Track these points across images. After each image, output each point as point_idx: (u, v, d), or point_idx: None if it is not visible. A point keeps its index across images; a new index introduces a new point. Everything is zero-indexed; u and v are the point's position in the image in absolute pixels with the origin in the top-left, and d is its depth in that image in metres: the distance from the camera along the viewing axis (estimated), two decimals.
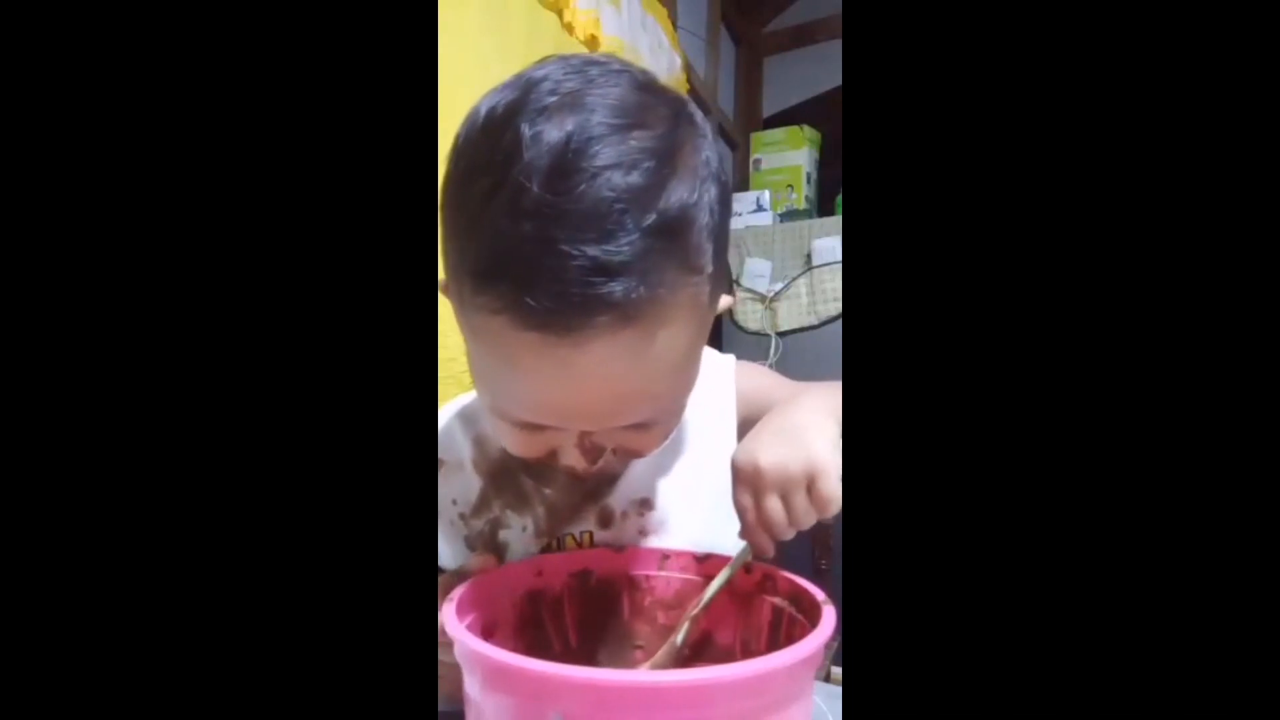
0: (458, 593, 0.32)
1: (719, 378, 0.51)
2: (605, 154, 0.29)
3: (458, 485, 0.48)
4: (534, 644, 0.38)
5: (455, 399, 0.52)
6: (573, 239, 0.28)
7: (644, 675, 0.24)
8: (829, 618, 0.27)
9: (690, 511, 0.47)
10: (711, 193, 0.33)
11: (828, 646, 0.26)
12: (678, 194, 0.30)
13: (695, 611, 0.38)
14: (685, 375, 0.37)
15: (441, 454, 0.49)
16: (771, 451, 0.36)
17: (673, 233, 0.31)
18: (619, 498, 0.47)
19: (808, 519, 0.36)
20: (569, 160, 0.29)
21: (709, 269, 0.33)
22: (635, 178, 0.29)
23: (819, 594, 0.30)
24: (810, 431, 0.36)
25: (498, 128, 0.31)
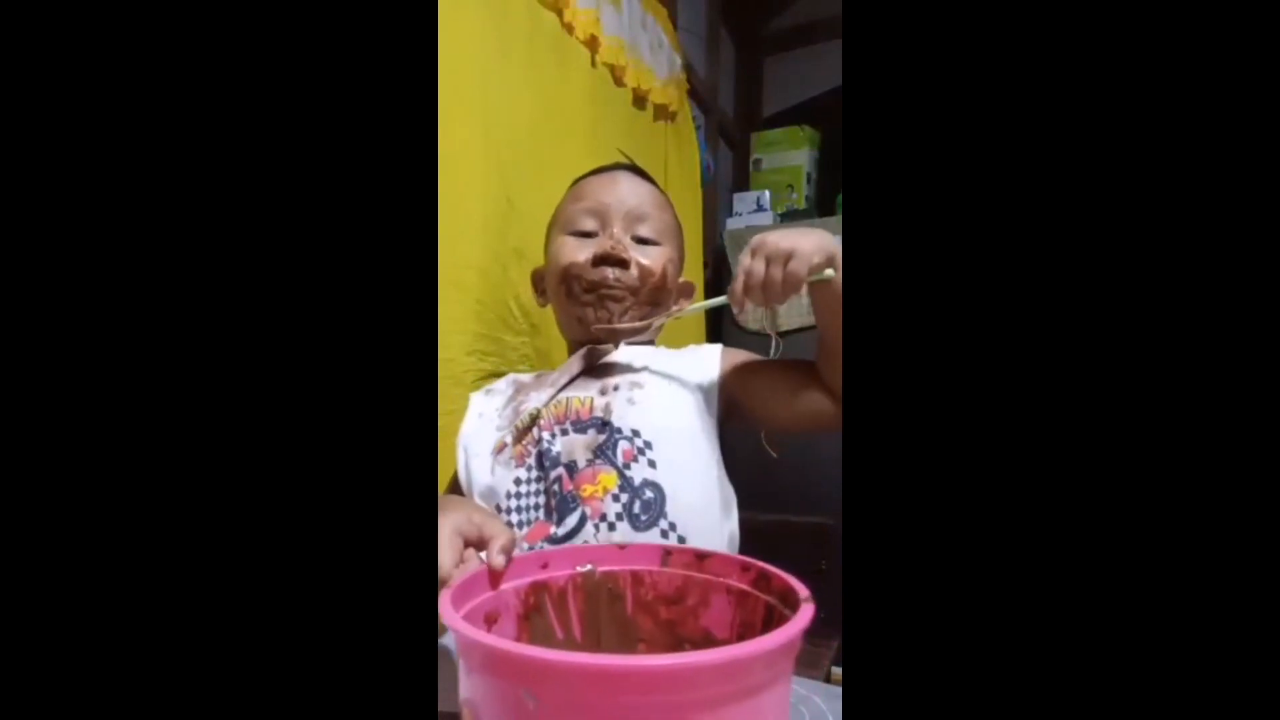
0: (459, 578, 0.33)
1: (708, 350, 0.70)
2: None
3: (498, 406, 0.71)
4: (537, 633, 0.39)
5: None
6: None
7: (609, 659, 0.24)
8: (805, 613, 0.28)
9: (670, 400, 0.65)
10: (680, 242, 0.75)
11: (816, 642, 0.26)
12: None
13: (661, 320, 0.69)
14: (670, 237, 0.72)
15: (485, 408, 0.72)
16: (778, 234, 0.53)
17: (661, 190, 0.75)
18: (617, 376, 0.66)
19: (775, 289, 0.52)
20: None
21: (679, 240, 0.74)
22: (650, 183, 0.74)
23: (803, 591, 0.31)
24: (808, 233, 0.52)
25: None
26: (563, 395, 0.66)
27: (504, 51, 0.86)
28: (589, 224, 0.70)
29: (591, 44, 1.08)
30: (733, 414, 0.67)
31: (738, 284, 0.53)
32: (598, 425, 0.62)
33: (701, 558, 0.39)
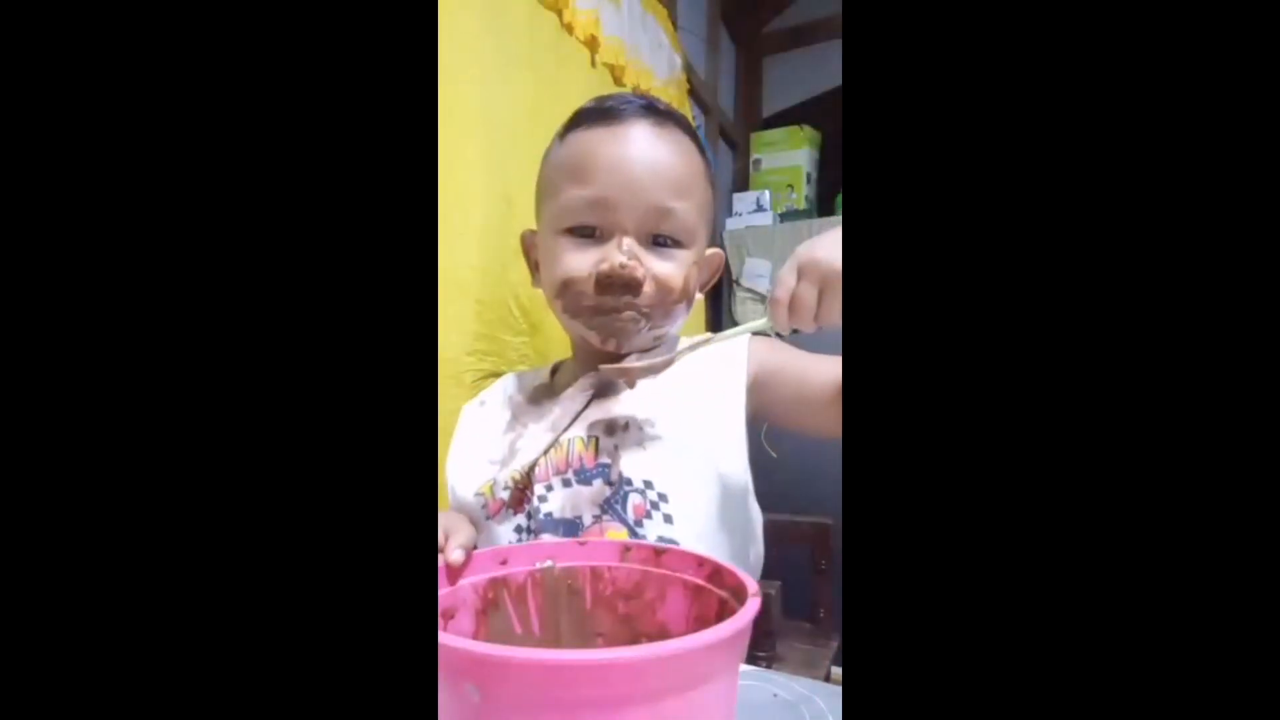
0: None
1: (731, 357, 0.58)
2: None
3: (492, 433, 0.62)
4: (496, 629, 0.39)
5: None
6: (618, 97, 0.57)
7: (550, 653, 0.24)
8: (749, 608, 0.28)
9: (689, 440, 0.54)
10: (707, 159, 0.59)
11: (816, 642, 0.26)
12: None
13: (701, 342, 0.53)
14: (698, 224, 0.56)
15: (476, 427, 0.64)
16: (829, 249, 0.42)
17: (687, 124, 0.57)
18: (625, 412, 0.56)
19: (830, 316, 0.43)
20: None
21: (709, 160, 0.58)
22: (659, 104, 0.57)
23: (752, 587, 0.31)
24: None
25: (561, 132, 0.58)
26: (564, 437, 0.56)
27: (504, 51, 0.86)
28: (591, 219, 0.54)
29: (591, 44, 1.08)
30: (762, 418, 0.58)
31: (781, 310, 0.44)
32: (604, 475, 0.53)
33: (659, 553, 0.39)
